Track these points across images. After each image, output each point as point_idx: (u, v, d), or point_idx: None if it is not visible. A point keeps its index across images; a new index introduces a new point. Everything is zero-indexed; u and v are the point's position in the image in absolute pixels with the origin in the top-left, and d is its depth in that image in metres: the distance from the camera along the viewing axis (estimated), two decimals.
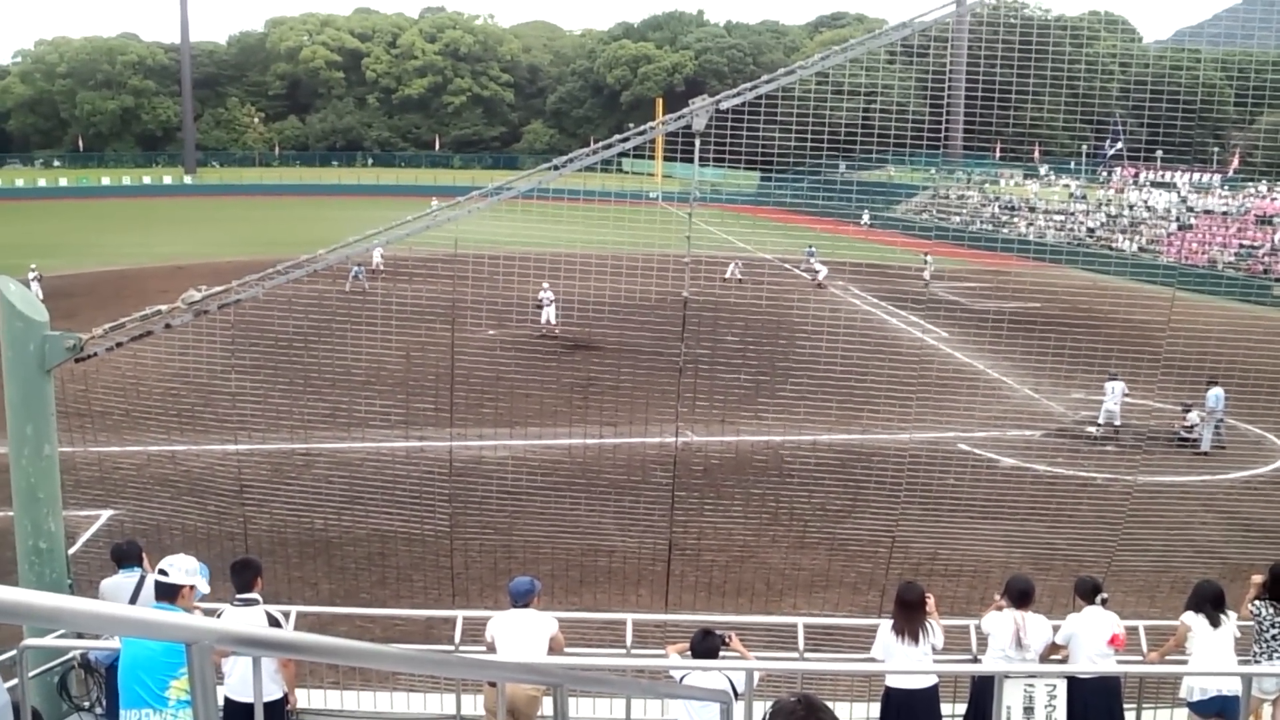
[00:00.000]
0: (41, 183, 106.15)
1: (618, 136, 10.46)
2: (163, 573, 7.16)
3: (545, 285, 32.37)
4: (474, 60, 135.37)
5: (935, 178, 76.20)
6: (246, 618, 8.24)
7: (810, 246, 48.19)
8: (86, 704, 9.30)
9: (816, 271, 45.86)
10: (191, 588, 7.26)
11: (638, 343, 21.13)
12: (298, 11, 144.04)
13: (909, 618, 8.80)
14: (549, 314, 33.35)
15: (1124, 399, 24.78)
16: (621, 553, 15.79)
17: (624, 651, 9.97)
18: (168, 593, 7.12)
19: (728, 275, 44.04)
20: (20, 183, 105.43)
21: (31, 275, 38.83)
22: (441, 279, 18.36)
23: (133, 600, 8.98)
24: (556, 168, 10.60)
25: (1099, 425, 24.83)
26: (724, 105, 10.28)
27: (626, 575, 15.31)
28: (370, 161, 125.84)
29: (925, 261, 46.19)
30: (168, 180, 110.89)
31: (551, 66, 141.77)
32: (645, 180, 65.97)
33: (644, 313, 21.75)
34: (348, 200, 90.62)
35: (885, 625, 8.97)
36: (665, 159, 57.62)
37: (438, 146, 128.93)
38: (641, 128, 10.55)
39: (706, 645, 8.40)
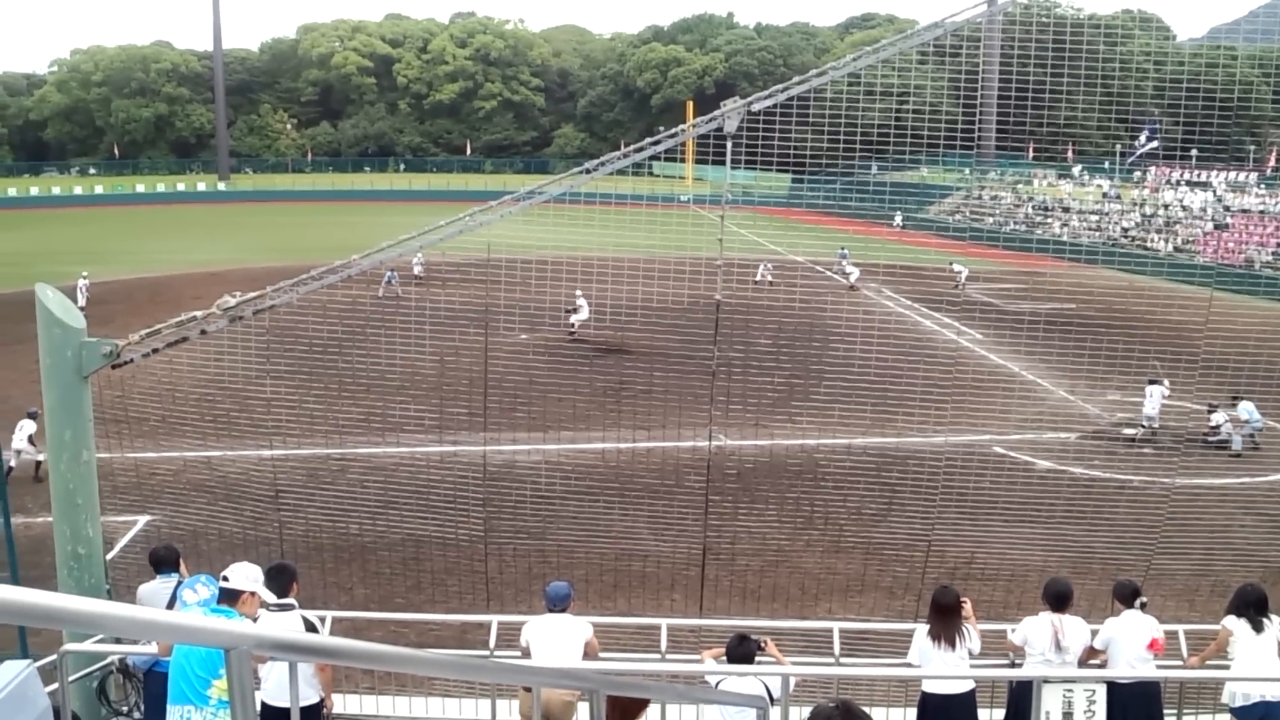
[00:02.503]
0: (77, 190, 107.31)
1: (649, 140, 10.42)
2: (224, 579, 7.23)
3: (578, 292, 32.36)
4: (504, 65, 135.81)
5: (968, 179, 75.79)
6: (283, 623, 8.26)
7: (843, 248, 47.99)
8: (125, 709, 9.35)
9: (849, 274, 45.69)
10: (254, 594, 7.32)
11: (670, 346, 21.11)
12: (329, 18, 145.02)
13: (945, 622, 8.72)
14: (578, 319, 33.42)
15: (1163, 401, 24.56)
16: (655, 557, 15.75)
17: (659, 657, 9.93)
18: (229, 597, 7.19)
19: (758, 278, 43.90)
20: (57, 190, 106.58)
21: (82, 282, 39.29)
22: (474, 284, 18.41)
23: (169, 605, 9.03)
24: (588, 171, 10.57)
25: (1140, 427, 24.61)
26: (755, 107, 10.23)
27: (660, 580, 15.28)
28: (402, 167, 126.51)
29: (955, 268, 45.92)
30: (201, 187, 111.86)
31: (582, 70, 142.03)
32: (676, 184, 66.06)
33: (676, 316, 21.71)
34: (380, 206, 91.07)
35: (921, 630, 8.89)
36: (696, 162, 57.59)
37: (469, 151, 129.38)
38: (673, 130, 10.51)
39: (742, 650, 8.35)
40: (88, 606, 2.44)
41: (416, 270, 41.61)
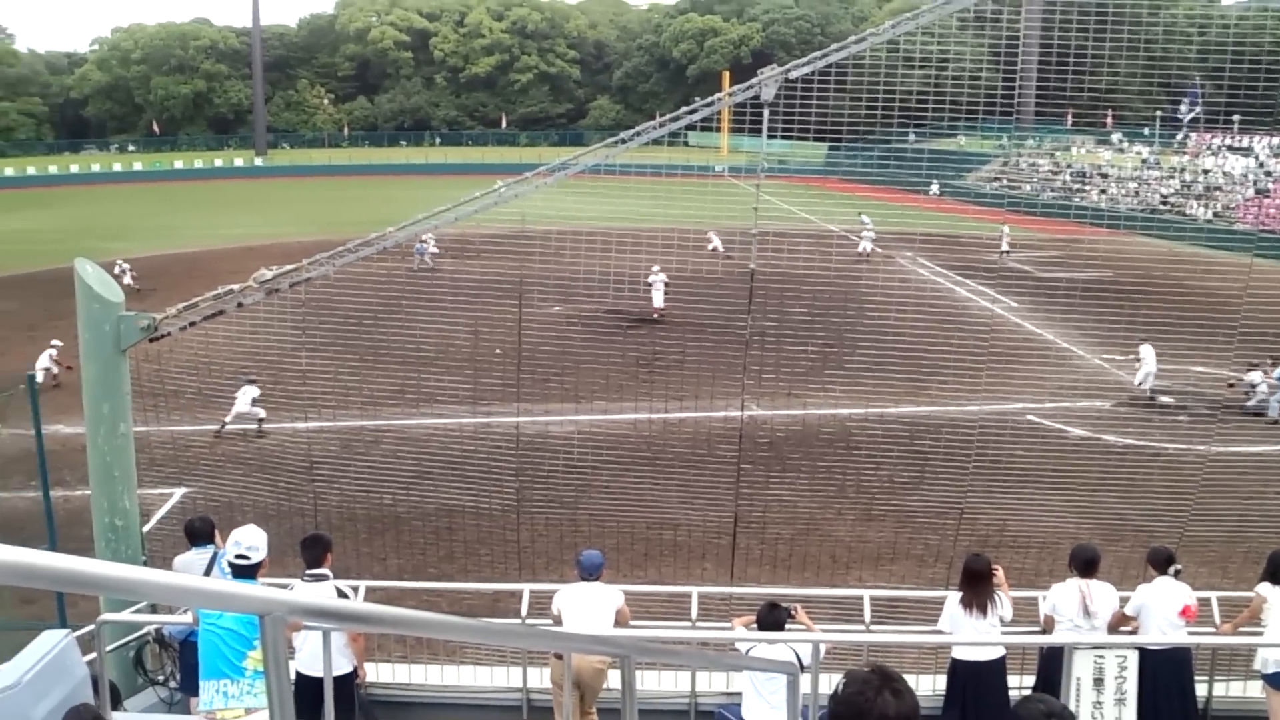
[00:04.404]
0: (117, 167, 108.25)
1: (684, 109, 10.39)
2: (242, 557, 7.26)
3: (656, 268, 32.12)
4: (541, 37, 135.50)
5: (1006, 146, 75.00)
6: (317, 593, 8.38)
7: (861, 215, 47.18)
8: (161, 678, 9.53)
9: (861, 241, 44.91)
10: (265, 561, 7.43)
11: (704, 317, 21.12)
12: None
13: (976, 589, 8.74)
14: (658, 296, 32.82)
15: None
16: (686, 527, 15.81)
17: (690, 624, 10.00)
18: (248, 573, 7.27)
19: (711, 248, 40.98)
20: (97, 167, 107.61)
21: (119, 269, 39.62)
22: (508, 255, 18.47)
23: (205, 576, 9.17)
24: (623, 141, 10.56)
25: (1164, 393, 24.37)
26: (793, 74, 10.18)
27: (691, 549, 15.34)
28: (438, 141, 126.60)
29: (1004, 232, 45.44)
30: (239, 163, 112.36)
31: (618, 42, 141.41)
32: (711, 154, 65.80)
33: (710, 286, 21.75)
34: (416, 179, 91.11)
35: (953, 597, 8.91)
36: (732, 132, 57.32)
37: (504, 124, 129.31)
38: (709, 99, 10.48)
39: (773, 618, 8.40)
40: (124, 573, 2.50)
41: (430, 250, 40.56)
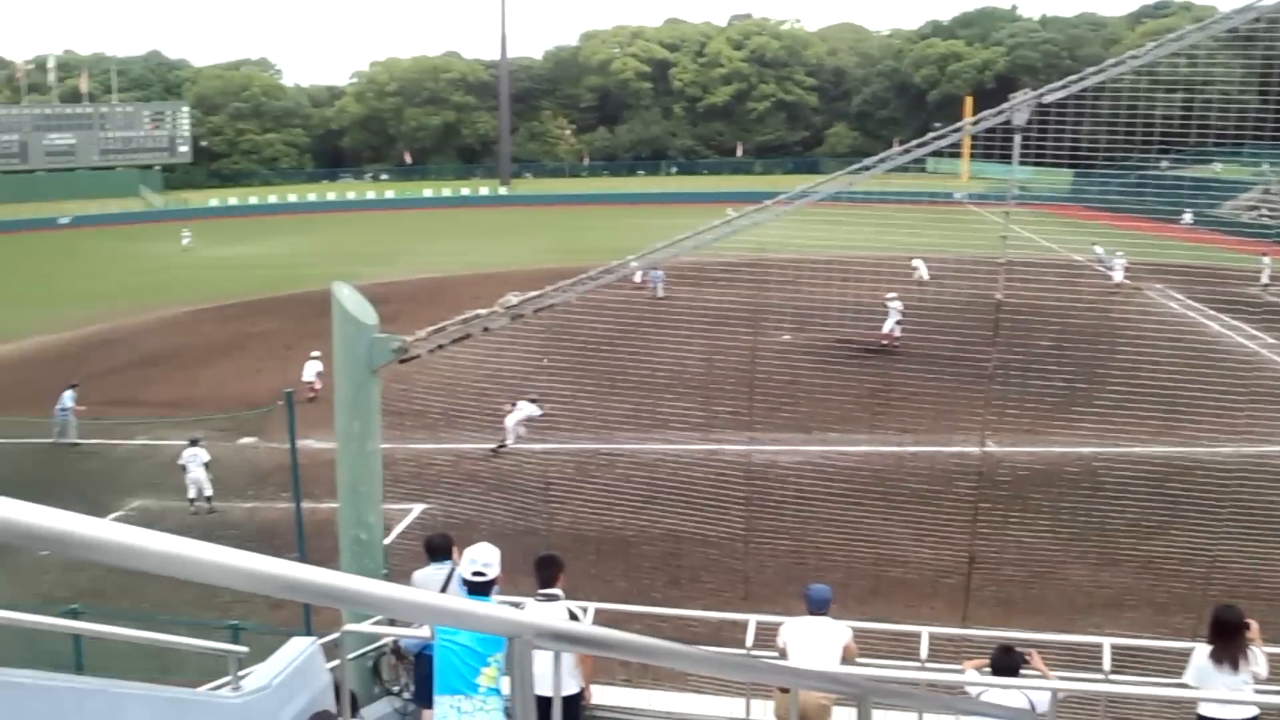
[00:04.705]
0: (370, 195, 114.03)
1: (931, 134, 10.18)
2: (478, 574, 7.36)
3: (892, 295, 31.72)
4: (779, 65, 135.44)
5: (1267, 173, 70.65)
6: (548, 612, 8.51)
7: (1096, 245, 44.98)
8: (395, 689, 9.85)
9: (1113, 269, 42.95)
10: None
11: (942, 348, 20.59)
12: (610, 25, 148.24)
13: (1228, 642, 8.20)
14: (891, 323, 32.30)
15: None
16: (914, 564, 15.40)
17: (919, 664, 9.73)
18: (483, 589, 7.39)
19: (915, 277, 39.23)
20: (352, 195, 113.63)
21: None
22: (743, 284, 18.45)
23: (443, 591, 9.43)
24: (867, 168, 10.43)
25: None
26: (1047, 99, 9.86)
27: (918, 587, 14.94)
28: (674, 170, 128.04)
29: (1264, 264, 42.76)
30: (484, 191, 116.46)
31: (857, 68, 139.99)
32: (951, 181, 64.34)
33: (949, 316, 21.19)
34: (652, 208, 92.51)
35: (1201, 649, 8.39)
36: (973, 158, 55.91)
37: (740, 153, 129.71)
38: (957, 124, 10.25)
39: (1007, 662, 8.11)
40: (387, 591, 2.61)
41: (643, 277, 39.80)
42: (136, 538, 2.00)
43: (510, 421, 23.81)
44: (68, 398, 28.22)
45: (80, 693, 5.25)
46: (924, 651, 9.78)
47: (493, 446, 22.83)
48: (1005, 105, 9.90)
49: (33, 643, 12.62)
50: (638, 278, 38.34)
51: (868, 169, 10.53)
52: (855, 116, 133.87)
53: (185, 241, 74.93)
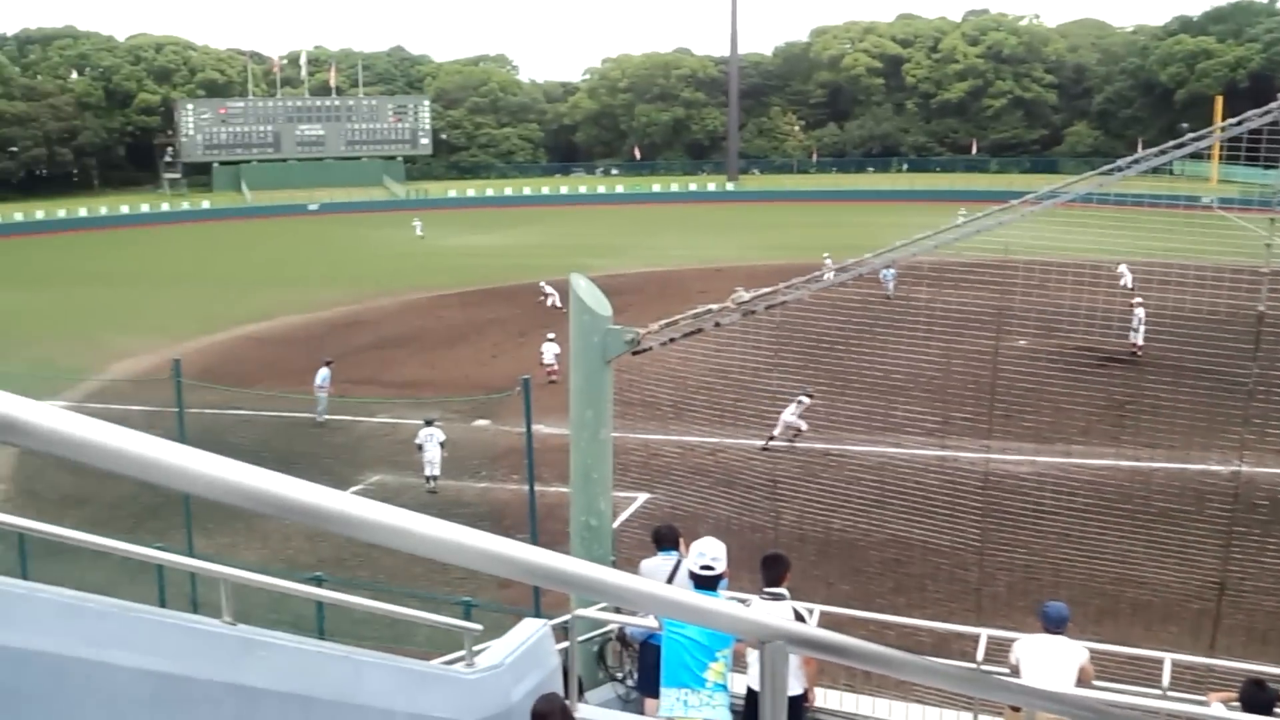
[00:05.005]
0: (601, 189, 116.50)
1: (1190, 135, 9.64)
2: (707, 568, 7.35)
3: (1137, 300, 30.48)
4: (1016, 62, 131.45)
5: None
6: (775, 612, 8.43)
7: None
8: (619, 675, 9.96)
9: None
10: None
11: (1193, 360, 19.47)
12: (841, 20, 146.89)
13: None
14: (1137, 334, 31.14)
15: None
16: (1152, 586, 14.61)
17: (1160, 693, 9.23)
18: (710, 584, 7.37)
19: (1121, 283, 36.86)
20: (583, 189, 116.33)
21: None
22: (982, 286, 17.88)
23: (669, 582, 9.47)
24: (1119, 169, 9.96)
25: None
26: None
27: (1157, 611, 14.19)
28: (905, 167, 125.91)
29: None
30: (711, 187, 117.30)
31: (1099, 66, 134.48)
32: (1198, 185, 61.05)
33: (1201, 327, 19.99)
34: (882, 205, 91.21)
35: None
36: (1225, 161, 52.92)
37: (974, 150, 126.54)
38: (1218, 125, 9.67)
39: (1260, 698, 7.61)
40: (647, 588, 2.61)
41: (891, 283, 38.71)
42: (386, 515, 2.04)
43: (787, 415, 23.94)
44: (323, 375, 29.53)
45: (326, 657, 5.47)
46: (1166, 679, 9.26)
47: (762, 443, 22.91)
48: (1274, 105, 9.28)
49: (278, 604, 13.32)
50: (885, 276, 37.97)
51: (1120, 170, 10.06)
52: (1096, 115, 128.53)
53: (417, 231, 78.00)
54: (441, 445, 23.32)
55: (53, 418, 1.61)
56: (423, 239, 75.79)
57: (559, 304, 42.61)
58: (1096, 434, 20.13)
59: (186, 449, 1.77)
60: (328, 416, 29.34)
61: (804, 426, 23.98)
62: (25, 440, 1.59)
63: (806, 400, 23.74)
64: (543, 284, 45.67)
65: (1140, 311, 30.31)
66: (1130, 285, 36.24)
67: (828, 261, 43.72)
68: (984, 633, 9.92)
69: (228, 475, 1.80)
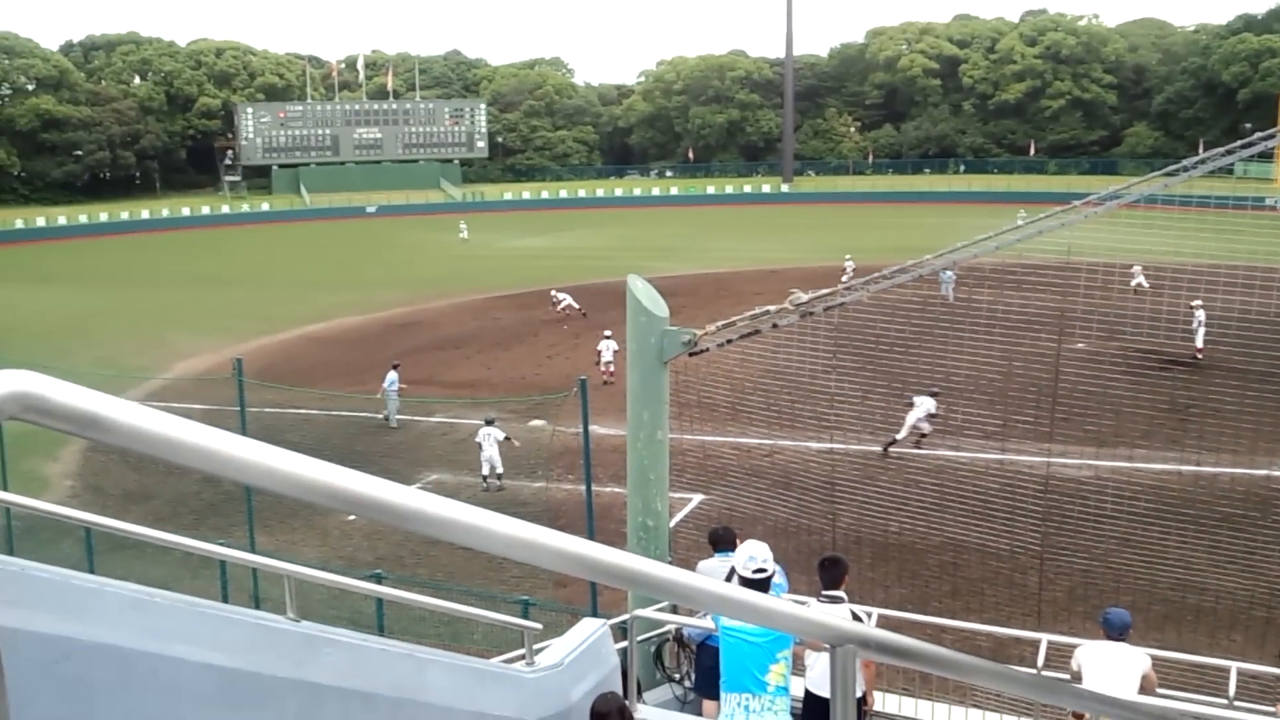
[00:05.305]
0: (655, 191, 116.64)
1: (1257, 135, 9.49)
2: (759, 571, 7.31)
3: (1197, 302, 30.08)
4: (1075, 62, 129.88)
5: None
6: (833, 614, 8.40)
7: None
8: (677, 676, 9.97)
9: None
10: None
11: (1257, 364, 19.16)
12: (898, 21, 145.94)
13: None
14: (1197, 337, 30.73)
15: None
16: (1215, 592, 14.39)
17: (1226, 703, 9.09)
18: (762, 586, 7.31)
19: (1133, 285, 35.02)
20: (638, 191, 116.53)
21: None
22: (1043, 288, 17.69)
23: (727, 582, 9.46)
24: (1185, 169, 9.82)
25: None
26: None
27: (1218, 617, 13.98)
28: (962, 168, 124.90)
29: None
30: (766, 189, 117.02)
31: (1159, 66, 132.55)
32: (1264, 186, 60.04)
33: (1266, 331, 19.68)
34: (938, 206, 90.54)
35: None
36: None
37: (1032, 152, 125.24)
38: None
39: None
40: (720, 590, 2.64)
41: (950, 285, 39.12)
42: (463, 514, 2.09)
43: (912, 418, 23.65)
44: (391, 379, 29.64)
45: (388, 655, 5.52)
46: (1232, 689, 9.12)
47: (883, 445, 22.84)
48: None
49: (336, 601, 13.46)
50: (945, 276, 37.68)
51: (1185, 169, 9.93)
52: (1157, 116, 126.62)
53: (463, 234, 78.27)
54: (502, 442, 23.50)
55: (134, 414, 1.64)
56: (467, 241, 76.11)
57: (575, 304, 43.71)
58: (1158, 438, 19.83)
59: (274, 448, 1.80)
60: (400, 418, 29.54)
61: (928, 429, 23.73)
62: (107, 436, 1.62)
63: (931, 402, 23.41)
64: (553, 291, 45.87)
65: (1201, 314, 29.82)
66: (1146, 287, 34.97)
67: (848, 263, 44.56)
68: (1044, 638, 9.84)
69: (312, 474, 1.84)
